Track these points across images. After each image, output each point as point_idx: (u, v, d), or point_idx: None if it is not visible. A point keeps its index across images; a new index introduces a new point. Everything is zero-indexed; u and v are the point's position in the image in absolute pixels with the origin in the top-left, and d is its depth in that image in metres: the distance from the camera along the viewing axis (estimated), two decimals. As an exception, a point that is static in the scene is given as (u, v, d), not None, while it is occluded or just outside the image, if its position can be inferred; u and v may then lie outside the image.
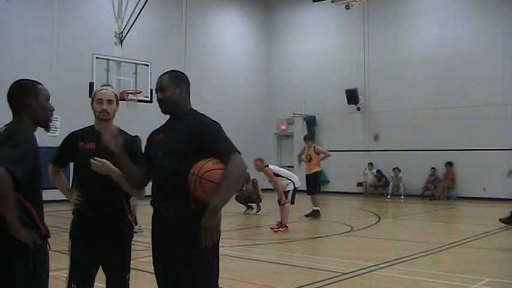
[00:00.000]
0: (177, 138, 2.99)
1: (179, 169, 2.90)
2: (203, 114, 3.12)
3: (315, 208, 12.13)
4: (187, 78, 3.17)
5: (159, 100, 3.10)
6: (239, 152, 2.90)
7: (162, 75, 3.14)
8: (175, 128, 3.05)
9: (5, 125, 2.79)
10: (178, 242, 2.92)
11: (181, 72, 3.19)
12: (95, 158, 3.28)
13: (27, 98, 2.80)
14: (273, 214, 11.84)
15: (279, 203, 10.13)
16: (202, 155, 2.89)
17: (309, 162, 12.50)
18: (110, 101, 3.47)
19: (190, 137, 2.95)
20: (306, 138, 13.17)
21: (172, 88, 3.06)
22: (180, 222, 2.92)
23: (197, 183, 2.81)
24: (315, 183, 12.67)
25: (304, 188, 11.99)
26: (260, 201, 13.29)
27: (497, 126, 17.00)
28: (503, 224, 10.38)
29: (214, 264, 2.98)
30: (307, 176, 12.50)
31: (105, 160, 3.26)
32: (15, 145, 2.60)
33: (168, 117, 3.17)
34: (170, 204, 2.95)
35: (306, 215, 12.11)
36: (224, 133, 2.98)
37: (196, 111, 3.15)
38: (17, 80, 2.89)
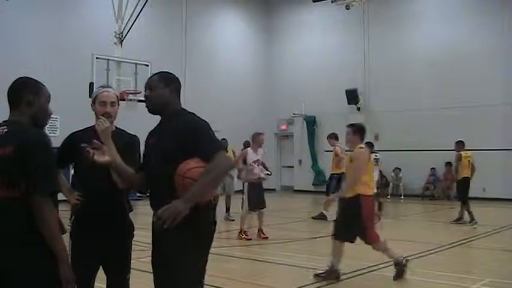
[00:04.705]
0: (166, 140, 2.98)
1: (168, 172, 2.83)
2: (193, 114, 3.07)
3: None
4: (178, 79, 3.17)
5: (145, 97, 3.12)
6: (225, 151, 2.93)
7: (152, 75, 3.18)
8: (165, 130, 3.06)
9: (5, 122, 2.72)
10: (166, 248, 2.90)
11: (171, 73, 3.19)
12: (102, 118, 3.29)
13: (29, 93, 2.74)
14: (272, 214, 11.83)
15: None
16: (188, 155, 2.84)
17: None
18: (112, 103, 3.47)
19: (177, 139, 2.92)
20: (329, 137, 11.72)
21: (161, 88, 3.06)
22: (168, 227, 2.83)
23: (179, 182, 2.78)
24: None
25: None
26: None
27: (497, 126, 16.99)
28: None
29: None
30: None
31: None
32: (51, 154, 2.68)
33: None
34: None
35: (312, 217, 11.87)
36: (210, 132, 2.94)
37: (185, 110, 3.12)
38: (20, 77, 2.84)
